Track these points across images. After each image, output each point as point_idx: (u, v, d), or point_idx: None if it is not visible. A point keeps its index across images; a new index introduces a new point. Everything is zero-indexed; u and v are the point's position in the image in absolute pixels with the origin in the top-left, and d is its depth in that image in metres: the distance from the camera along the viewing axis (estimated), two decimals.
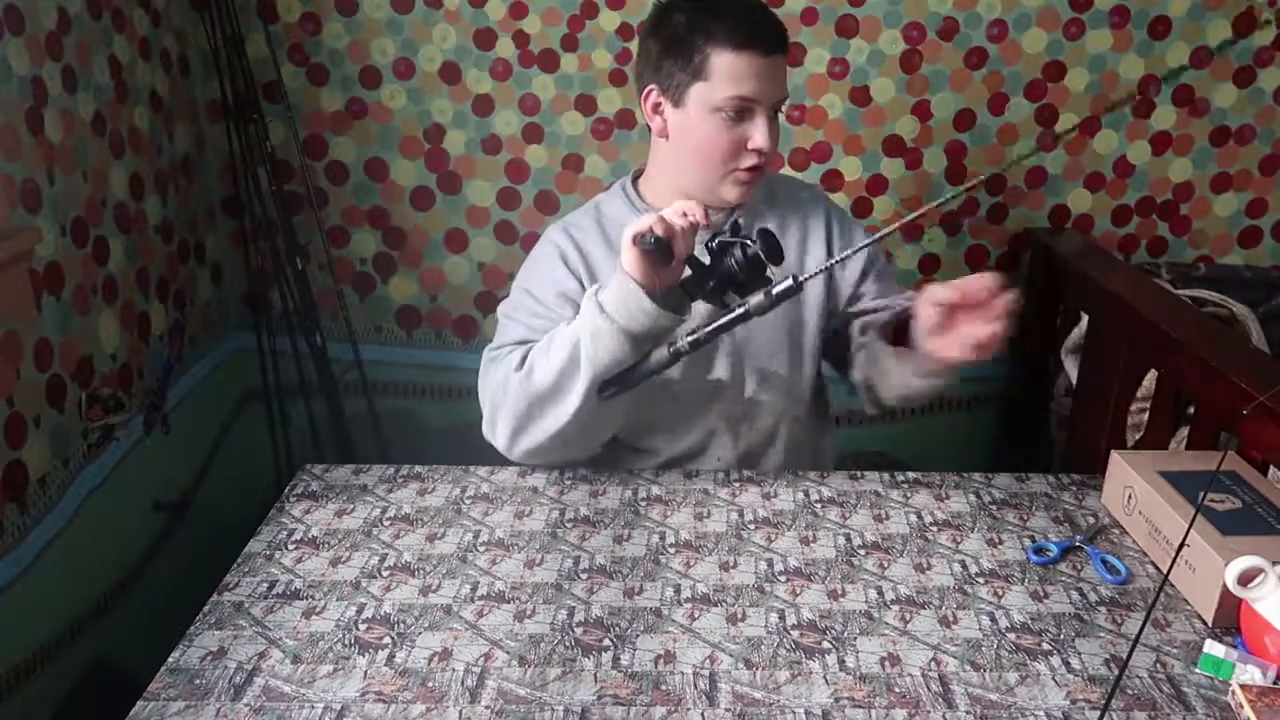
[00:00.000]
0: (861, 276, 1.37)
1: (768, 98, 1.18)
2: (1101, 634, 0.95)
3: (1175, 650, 0.93)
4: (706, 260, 1.05)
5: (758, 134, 1.18)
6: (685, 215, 1.02)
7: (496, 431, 1.19)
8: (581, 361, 1.06)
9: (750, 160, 1.20)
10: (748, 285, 1.02)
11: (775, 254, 1.02)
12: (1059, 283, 2.03)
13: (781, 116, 1.28)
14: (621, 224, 1.25)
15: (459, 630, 0.94)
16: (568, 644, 0.92)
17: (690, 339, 1.03)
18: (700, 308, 1.07)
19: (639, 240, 1.00)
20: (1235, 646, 0.90)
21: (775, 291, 0.98)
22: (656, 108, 1.23)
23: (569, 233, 1.31)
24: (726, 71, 1.15)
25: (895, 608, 0.98)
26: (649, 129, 1.27)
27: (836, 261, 1.04)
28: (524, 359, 1.14)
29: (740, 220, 1.27)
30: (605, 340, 1.03)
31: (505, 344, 1.22)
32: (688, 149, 1.22)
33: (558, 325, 1.17)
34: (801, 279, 0.99)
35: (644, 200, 1.31)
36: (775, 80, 1.18)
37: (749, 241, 1.02)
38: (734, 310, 1.01)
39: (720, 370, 1.29)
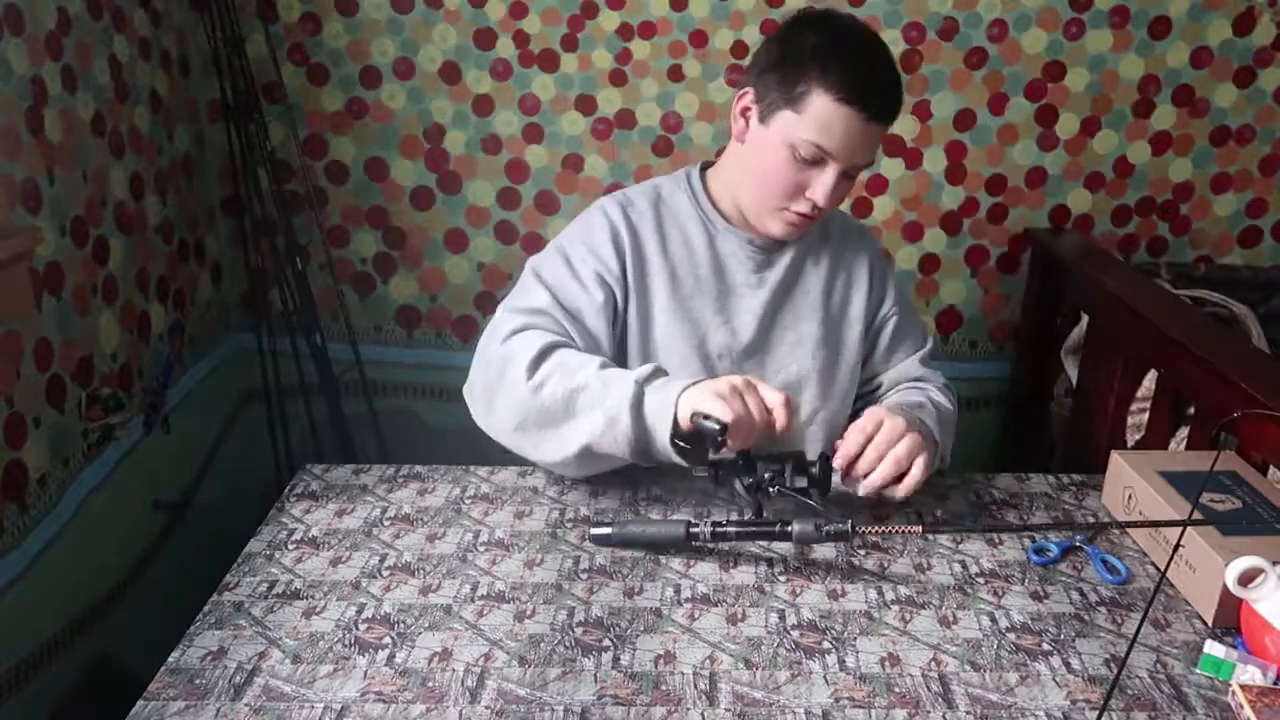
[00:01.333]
0: (879, 333, 1.33)
1: (846, 158, 1.12)
2: (1101, 634, 0.95)
3: (1175, 650, 0.93)
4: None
5: (820, 187, 1.13)
6: (768, 414, 0.99)
7: (481, 411, 1.15)
8: (582, 427, 1.04)
9: (803, 207, 1.16)
10: (774, 485, 1.04)
11: (825, 484, 1.04)
12: (1059, 283, 2.03)
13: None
14: (681, 221, 1.25)
15: (459, 630, 0.94)
16: (568, 644, 0.92)
17: (714, 529, 1.03)
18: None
19: (697, 421, 0.98)
20: (1235, 647, 0.90)
21: (827, 530, 0.99)
22: (745, 112, 1.18)
23: (626, 212, 1.24)
24: (819, 116, 1.09)
25: (895, 608, 0.98)
26: (731, 126, 1.22)
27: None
28: (536, 362, 1.08)
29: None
30: (617, 432, 1.02)
31: (524, 309, 1.16)
32: (752, 166, 1.18)
33: (583, 305, 1.17)
34: (858, 530, 0.99)
35: (710, 194, 1.26)
36: (864, 145, 1.12)
37: (812, 463, 1.03)
38: (775, 527, 1.01)
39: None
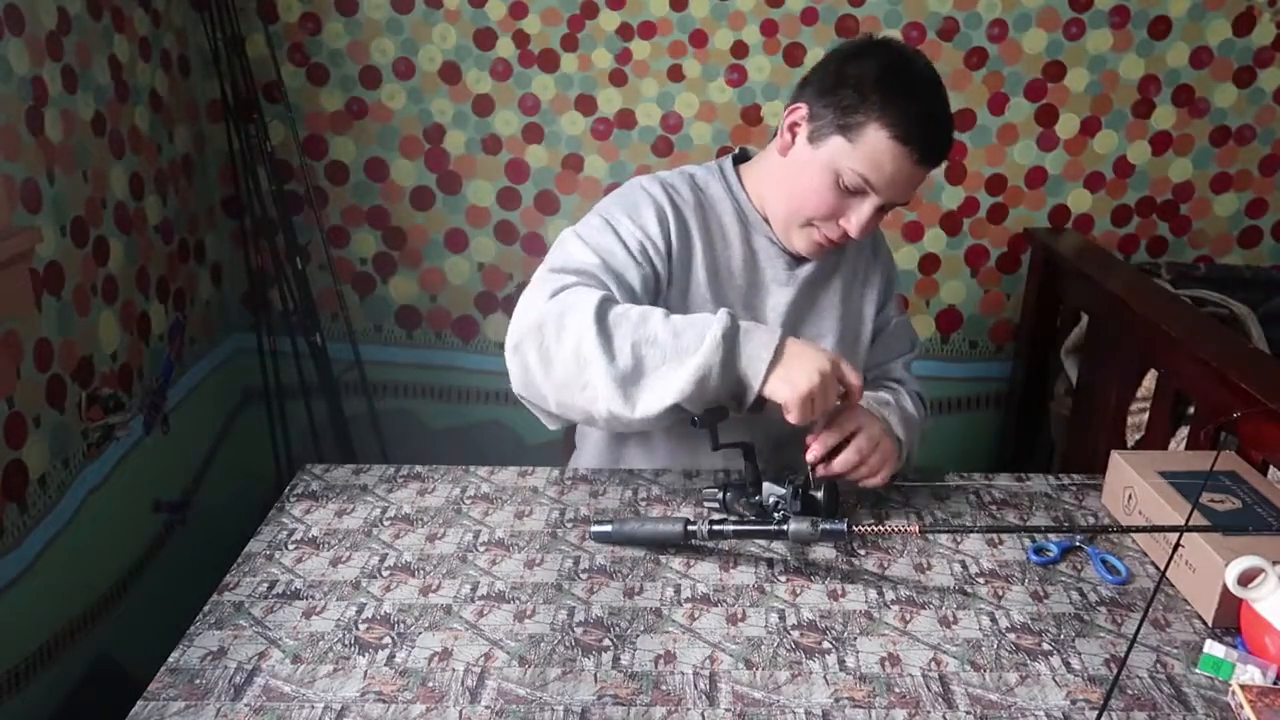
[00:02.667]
0: (878, 332, 1.35)
1: (888, 194, 1.12)
2: (1101, 634, 0.95)
3: (1175, 650, 0.93)
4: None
5: (855, 217, 1.13)
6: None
7: (536, 376, 1.05)
8: (672, 383, 0.99)
9: (833, 232, 1.16)
10: (780, 509, 1.06)
11: (832, 509, 1.06)
12: (1059, 283, 2.03)
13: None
14: (718, 212, 1.24)
15: (459, 630, 0.94)
16: (568, 644, 0.92)
17: (711, 527, 1.03)
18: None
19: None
20: (1235, 646, 0.90)
21: (823, 528, 0.99)
22: (794, 127, 1.15)
23: (669, 193, 1.21)
24: (871, 149, 1.08)
25: (895, 608, 0.98)
26: (776, 136, 1.20)
27: None
28: (600, 315, 1.01)
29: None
30: (709, 385, 1.00)
31: (570, 269, 1.10)
32: (792, 184, 1.17)
33: (630, 274, 1.13)
34: (856, 528, 1.00)
35: (745, 189, 1.24)
36: (907, 186, 1.13)
37: (817, 488, 1.06)
38: (771, 525, 1.02)
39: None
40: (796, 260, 1.25)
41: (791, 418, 1.00)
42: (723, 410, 1.05)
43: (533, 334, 1.04)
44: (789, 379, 0.99)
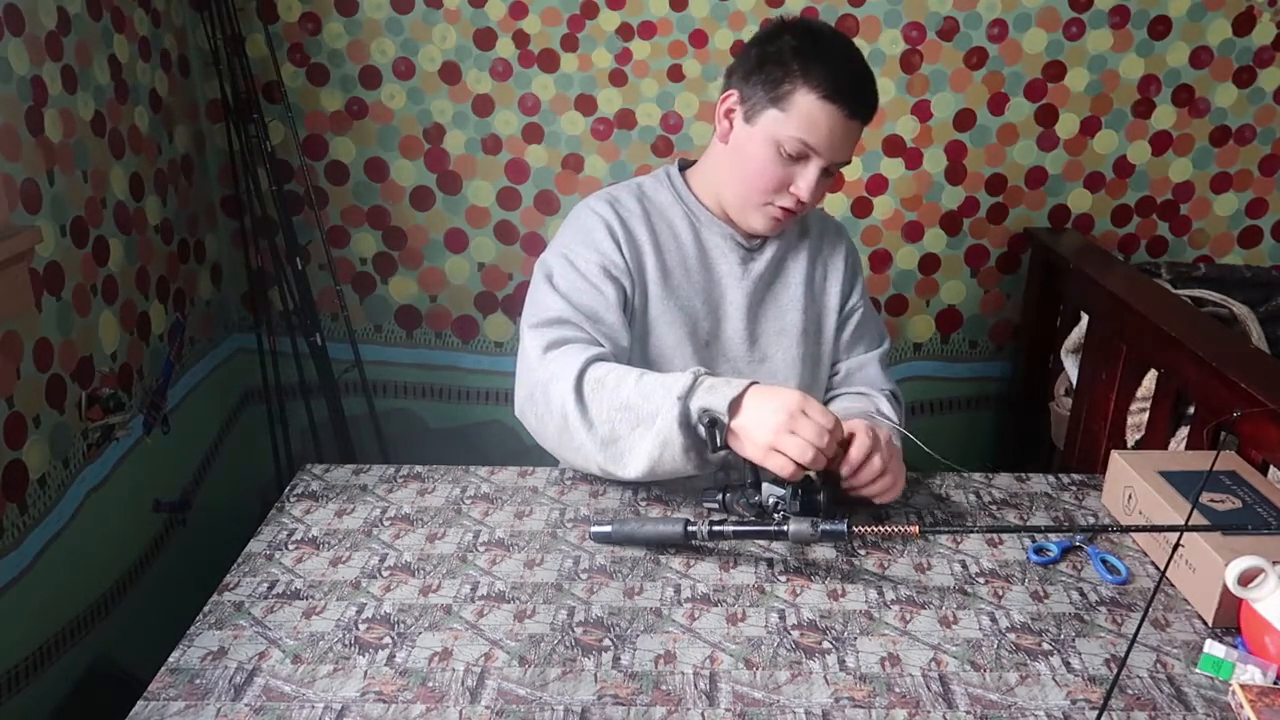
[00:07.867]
0: (845, 322, 1.39)
1: (829, 154, 1.18)
2: (1101, 634, 0.95)
3: (1175, 650, 0.93)
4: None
5: (803, 182, 1.19)
6: (789, 461, 1.00)
7: (541, 437, 1.18)
8: (640, 450, 1.05)
9: (787, 201, 1.21)
10: (780, 510, 1.06)
11: (832, 509, 1.06)
12: (1059, 283, 2.03)
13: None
14: (667, 215, 1.30)
15: (459, 630, 0.94)
16: (568, 644, 0.92)
17: (711, 528, 1.03)
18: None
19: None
20: (1235, 646, 0.90)
21: (823, 529, 1.00)
22: (729, 113, 1.23)
23: (614, 208, 1.28)
24: (804, 112, 1.15)
25: (895, 608, 0.98)
26: (715, 128, 1.28)
27: None
28: (579, 381, 1.09)
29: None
30: (675, 451, 1.03)
31: (544, 321, 1.19)
32: (738, 165, 1.23)
33: (597, 305, 1.20)
34: (856, 529, 1.00)
35: (692, 192, 1.31)
36: (844, 143, 1.18)
37: (817, 489, 1.06)
38: (771, 525, 1.02)
39: None
40: (749, 256, 1.30)
41: (773, 469, 1.02)
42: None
43: (528, 404, 1.16)
44: (747, 436, 1.02)
